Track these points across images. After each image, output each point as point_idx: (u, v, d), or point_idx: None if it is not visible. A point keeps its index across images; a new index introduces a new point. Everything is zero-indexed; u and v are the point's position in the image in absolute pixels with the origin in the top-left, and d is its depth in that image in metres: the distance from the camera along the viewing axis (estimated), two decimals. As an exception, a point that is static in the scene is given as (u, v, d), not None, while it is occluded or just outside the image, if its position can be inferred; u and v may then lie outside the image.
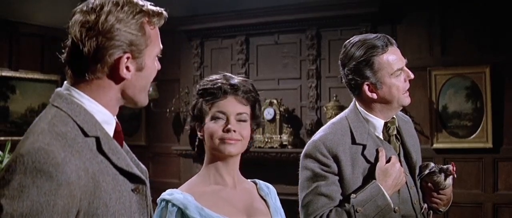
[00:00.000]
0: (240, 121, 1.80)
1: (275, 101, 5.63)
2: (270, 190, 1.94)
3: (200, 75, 6.15)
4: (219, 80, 1.82)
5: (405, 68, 2.10)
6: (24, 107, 6.09)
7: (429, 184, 2.14)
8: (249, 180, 1.95)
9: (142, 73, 1.36)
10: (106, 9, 1.31)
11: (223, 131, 1.78)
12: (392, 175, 2.02)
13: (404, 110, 2.24)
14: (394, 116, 2.18)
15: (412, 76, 2.11)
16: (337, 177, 2.03)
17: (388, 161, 2.06)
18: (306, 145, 2.13)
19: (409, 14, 5.25)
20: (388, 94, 2.07)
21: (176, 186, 1.87)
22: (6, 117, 5.96)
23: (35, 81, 6.19)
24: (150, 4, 1.38)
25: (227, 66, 5.97)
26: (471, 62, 4.99)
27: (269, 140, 5.60)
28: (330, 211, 1.99)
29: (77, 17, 1.33)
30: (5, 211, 1.17)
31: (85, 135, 1.30)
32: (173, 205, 1.73)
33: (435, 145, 5.05)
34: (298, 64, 5.75)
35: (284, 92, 5.74)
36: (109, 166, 1.32)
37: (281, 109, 5.63)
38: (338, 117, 2.20)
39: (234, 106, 1.80)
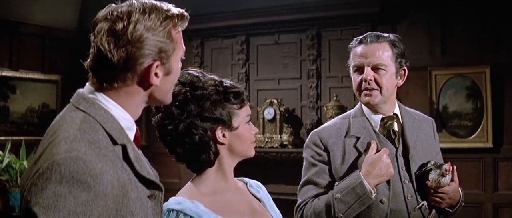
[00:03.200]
0: None
1: (275, 101, 5.63)
2: (261, 188, 1.91)
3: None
4: (233, 83, 1.78)
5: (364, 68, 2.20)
6: (24, 107, 6.09)
7: (427, 182, 2.16)
8: (237, 178, 1.88)
9: (169, 77, 1.37)
10: (134, 18, 1.29)
11: (254, 133, 1.79)
12: (376, 165, 2.07)
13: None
14: (398, 113, 2.24)
15: (366, 76, 2.18)
16: (327, 166, 2.17)
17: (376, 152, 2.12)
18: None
19: (409, 14, 5.24)
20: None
21: (176, 186, 1.84)
22: (6, 117, 5.95)
23: (35, 81, 6.18)
24: (173, 7, 1.38)
25: (227, 66, 5.97)
26: (471, 62, 4.98)
27: (270, 140, 5.59)
28: (318, 198, 2.11)
29: (103, 25, 1.30)
30: None
31: (114, 142, 1.29)
32: (185, 214, 1.64)
33: (435, 145, 5.05)
34: (298, 64, 5.75)
35: (284, 92, 5.74)
36: (132, 174, 1.31)
37: (281, 109, 5.62)
38: (342, 114, 2.35)
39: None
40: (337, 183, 2.10)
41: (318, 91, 5.63)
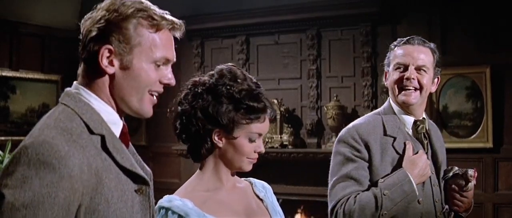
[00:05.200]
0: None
1: (275, 101, 5.62)
2: (266, 190, 1.91)
3: (202, 74, 6.14)
4: (257, 94, 1.73)
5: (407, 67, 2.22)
6: (24, 107, 6.08)
7: (453, 186, 2.22)
8: (243, 178, 1.90)
9: (127, 73, 1.34)
10: (111, 6, 1.34)
11: (255, 152, 1.76)
12: (419, 165, 2.12)
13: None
14: (425, 117, 2.28)
15: (408, 75, 2.19)
16: (366, 163, 2.13)
17: (415, 153, 2.16)
18: (341, 132, 2.25)
19: (409, 14, 5.24)
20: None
21: (176, 186, 1.85)
22: (6, 117, 5.95)
23: (35, 81, 6.18)
24: (164, 13, 1.38)
25: (227, 66, 5.96)
26: (471, 62, 4.98)
27: (270, 140, 5.59)
28: (358, 194, 2.07)
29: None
30: (7, 200, 1.18)
31: (91, 132, 1.31)
32: (173, 212, 1.67)
33: (435, 145, 5.05)
34: (298, 64, 5.75)
35: (285, 92, 5.74)
36: (113, 165, 1.32)
37: (282, 109, 5.62)
38: (372, 112, 2.34)
39: (268, 127, 1.79)
40: (382, 180, 2.09)
41: (318, 91, 5.63)
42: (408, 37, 2.26)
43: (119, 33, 1.32)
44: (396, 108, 2.24)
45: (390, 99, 2.27)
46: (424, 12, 5.20)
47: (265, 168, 5.50)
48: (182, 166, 6.17)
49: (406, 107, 2.23)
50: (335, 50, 5.54)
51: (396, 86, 2.21)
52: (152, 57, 1.35)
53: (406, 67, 2.19)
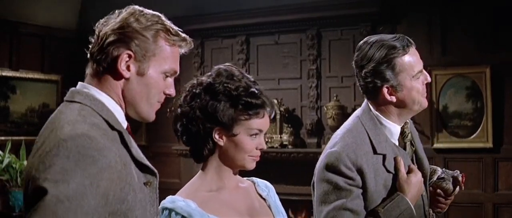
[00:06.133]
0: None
1: (275, 101, 5.62)
2: (269, 189, 1.91)
3: (200, 75, 6.14)
4: (254, 90, 1.73)
5: (424, 70, 2.00)
6: (24, 107, 6.09)
7: (438, 191, 2.12)
8: (245, 178, 1.90)
9: (142, 79, 1.42)
10: (130, 17, 1.41)
11: (257, 148, 1.75)
12: (416, 186, 1.95)
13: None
14: (407, 120, 2.08)
15: (429, 79, 2.02)
16: (361, 190, 1.91)
17: (409, 171, 1.98)
18: (326, 156, 1.95)
19: (409, 14, 5.25)
20: (408, 98, 1.96)
21: (176, 186, 1.85)
22: (6, 116, 5.96)
23: (35, 81, 6.18)
24: (179, 29, 1.49)
25: (227, 66, 5.96)
26: (471, 62, 4.99)
27: (270, 140, 5.59)
28: None
29: (106, 18, 1.44)
30: (51, 194, 1.20)
31: (111, 128, 1.36)
32: (177, 213, 1.68)
33: (436, 145, 5.05)
34: (298, 64, 5.75)
35: (285, 92, 5.74)
36: (130, 158, 1.38)
37: (282, 109, 5.62)
38: (350, 121, 2.05)
39: (268, 125, 1.78)
40: (381, 209, 1.89)
41: (318, 91, 5.63)
42: (405, 39, 1.97)
43: (140, 41, 1.40)
44: (380, 118, 2.00)
45: (371, 107, 2.01)
46: (424, 12, 5.20)
47: (265, 168, 5.49)
48: (182, 166, 6.18)
49: (406, 116, 2.04)
50: (335, 50, 5.55)
51: (421, 96, 1.99)
52: (164, 68, 1.44)
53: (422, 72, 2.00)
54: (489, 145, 4.90)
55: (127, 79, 1.40)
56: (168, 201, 1.71)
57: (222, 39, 6.12)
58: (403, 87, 1.95)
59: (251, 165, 1.77)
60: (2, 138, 5.74)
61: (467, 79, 5.01)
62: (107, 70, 1.39)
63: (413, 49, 1.97)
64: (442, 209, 2.16)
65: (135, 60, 1.40)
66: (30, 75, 6.15)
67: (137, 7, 1.45)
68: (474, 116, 4.99)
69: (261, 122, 1.74)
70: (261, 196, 1.87)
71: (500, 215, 4.94)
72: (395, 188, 1.95)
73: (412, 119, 2.17)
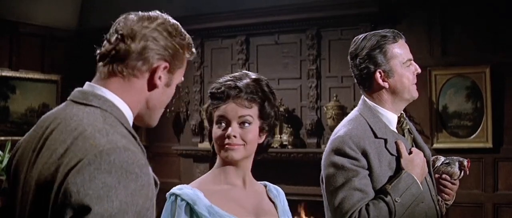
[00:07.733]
0: (243, 124, 1.77)
1: (275, 101, 5.63)
2: (278, 193, 1.95)
3: (200, 75, 6.15)
4: (227, 83, 1.80)
5: (413, 62, 2.14)
6: (24, 107, 6.09)
7: (444, 175, 2.21)
8: (259, 182, 1.94)
9: (166, 91, 1.41)
10: (172, 25, 1.41)
11: (224, 136, 1.77)
12: (418, 164, 2.07)
13: (404, 109, 2.26)
14: (402, 111, 2.21)
15: (419, 70, 2.14)
16: (367, 171, 2.02)
17: (409, 152, 2.10)
18: (331, 142, 2.09)
19: (409, 14, 5.25)
20: (399, 84, 2.10)
21: (176, 185, 1.86)
22: (6, 117, 5.96)
23: (35, 81, 6.19)
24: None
25: (227, 66, 5.97)
26: (471, 62, 4.99)
27: (269, 140, 5.59)
28: (367, 204, 1.98)
29: (133, 17, 1.38)
30: (95, 212, 1.15)
31: (135, 138, 1.31)
32: (182, 199, 1.73)
33: (435, 145, 5.05)
34: (298, 64, 5.75)
35: (284, 92, 5.74)
36: None
37: (281, 109, 5.63)
38: (351, 115, 2.18)
39: (235, 111, 1.77)
40: (389, 186, 2.00)
41: (318, 91, 5.63)
42: (394, 31, 2.16)
43: (177, 54, 1.39)
44: (377, 108, 2.12)
45: (366, 99, 2.15)
46: (424, 12, 5.20)
47: (265, 168, 5.50)
48: (182, 166, 6.18)
49: (401, 106, 2.17)
50: (335, 50, 5.55)
51: (411, 85, 2.12)
52: (180, 80, 1.46)
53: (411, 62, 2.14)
54: (489, 145, 4.90)
55: (157, 88, 1.38)
56: (177, 188, 1.78)
57: (222, 39, 6.12)
58: (395, 73, 2.10)
59: (224, 154, 1.79)
60: (2, 138, 5.74)
61: (467, 79, 5.01)
62: (136, 76, 1.35)
63: (402, 41, 2.14)
64: (450, 195, 2.22)
65: (168, 72, 1.38)
66: (30, 75, 6.15)
67: (166, 16, 1.42)
68: (474, 116, 4.99)
69: (222, 108, 1.79)
70: (271, 199, 1.91)
71: (500, 215, 4.94)
72: (400, 169, 2.06)
73: (411, 119, 2.22)
